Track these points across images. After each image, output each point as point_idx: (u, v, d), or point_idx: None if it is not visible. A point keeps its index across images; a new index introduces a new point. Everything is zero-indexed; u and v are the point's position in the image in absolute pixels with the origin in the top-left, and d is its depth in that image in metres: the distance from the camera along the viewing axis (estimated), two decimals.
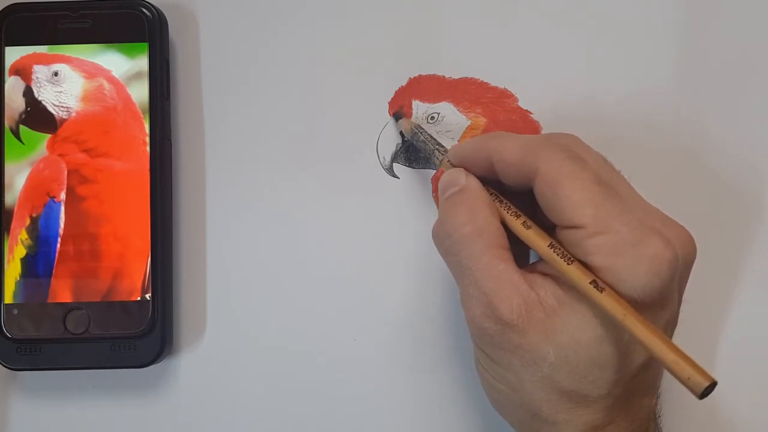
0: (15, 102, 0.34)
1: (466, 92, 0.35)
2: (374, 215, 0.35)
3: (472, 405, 0.34)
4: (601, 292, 0.25)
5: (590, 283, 0.25)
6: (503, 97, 0.35)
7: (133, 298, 0.33)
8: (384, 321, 0.35)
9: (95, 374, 0.35)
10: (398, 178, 0.35)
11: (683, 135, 0.35)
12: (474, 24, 0.36)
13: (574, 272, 0.26)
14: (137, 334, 0.33)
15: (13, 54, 0.34)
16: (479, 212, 0.28)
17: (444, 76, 0.36)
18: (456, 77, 0.36)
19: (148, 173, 0.34)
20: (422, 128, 0.33)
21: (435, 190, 0.35)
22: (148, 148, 0.34)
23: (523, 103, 0.35)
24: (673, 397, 0.32)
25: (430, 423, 0.34)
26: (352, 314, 0.35)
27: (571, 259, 0.26)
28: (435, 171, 0.35)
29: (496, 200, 0.29)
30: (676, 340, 0.26)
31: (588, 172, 0.26)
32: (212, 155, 0.36)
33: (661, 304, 0.26)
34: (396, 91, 0.36)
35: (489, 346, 0.27)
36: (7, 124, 0.34)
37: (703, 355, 0.32)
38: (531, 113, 0.35)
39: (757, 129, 0.35)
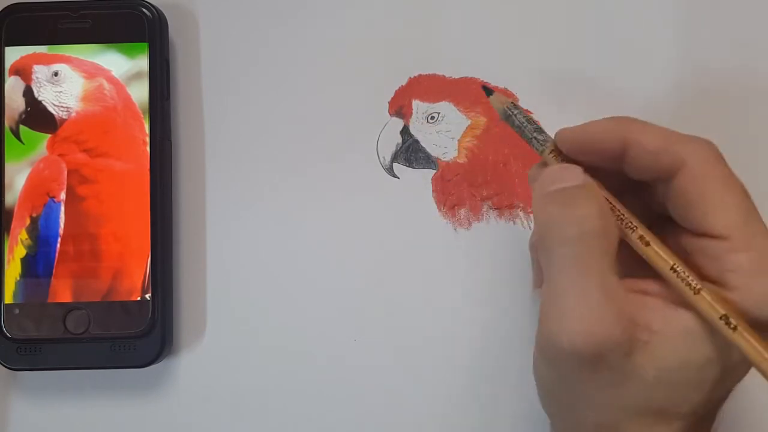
0: (15, 102, 0.34)
1: (466, 92, 0.35)
2: (374, 215, 0.35)
3: (473, 405, 0.34)
4: (734, 330, 0.23)
5: (720, 318, 0.23)
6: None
7: (133, 298, 0.33)
8: (384, 321, 0.35)
9: (95, 374, 0.35)
10: (398, 178, 0.35)
11: (683, 131, 0.35)
12: (474, 24, 0.36)
13: (703, 303, 0.23)
14: (137, 334, 0.33)
15: (13, 54, 0.34)
16: (607, 211, 0.25)
17: (444, 76, 0.36)
18: (456, 77, 0.36)
19: (148, 173, 0.34)
20: (519, 108, 0.28)
21: (435, 190, 0.35)
22: (148, 148, 0.34)
23: (523, 103, 0.35)
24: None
25: (430, 423, 0.34)
26: (352, 314, 0.35)
27: (698, 287, 0.24)
28: (435, 171, 0.35)
29: (611, 205, 0.25)
30: None
31: (738, 180, 0.24)
32: (212, 155, 0.36)
33: None
34: (396, 91, 0.36)
35: (572, 366, 0.24)
36: (7, 124, 0.34)
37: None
38: (531, 113, 0.35)
39: (757, 130, 0.35)
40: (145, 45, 0.34)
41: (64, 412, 0.35)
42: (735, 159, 0.35)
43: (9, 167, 0.34)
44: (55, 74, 0.34)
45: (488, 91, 0.29)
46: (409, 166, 0.35)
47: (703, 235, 0.24)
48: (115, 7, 0.34)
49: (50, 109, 0.34)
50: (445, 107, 0.35)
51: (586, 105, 0.35)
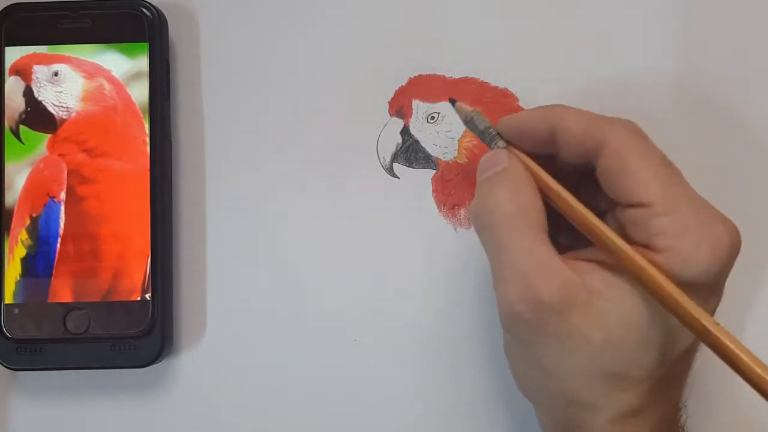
0: (15, 102, 0.34)
1: (466, 92, 0.35)
2: (374, 215, 0.35)
3: (475, 404, 0.34)
4: (660, 291, 0.25)
5: (646, 275, 0.25)
6: (503, 97, 0.35)
7: (133, 298, 0.33)
8: (384, 321, 0.35)
9: (95, 374, 0.35)
10: (398, 178, 0.35)
11: (684, 131, 0.35)
12: (474, 24, 0.36)
13: (629, 263, 0.25)
14: (137, 334, 0.33)
15: (13, 54, 0.34)
16: (523, 191, 0.27)
17: (444, 76, 0.36)
18: (456, 77, 0.36)
19: (148, 173, 0.34)
20: (477, 111, 0.30)
21: (435, 190, 0.35)
22: (148, 148, 0.34)
23: (523, 103, 0.35)
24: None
25: (431, 423, 0.34)
26: (352, 314, 0.35)
27: (626, 248, 0.25)
28: (435, 171, 0.35)
29: (549, 178, 0.28)
30: None
31: (657, 151, 0.26)
32: (212, 155, 0.36)
33: (713, 291, 0.26)
34: (396, 91, 0.36)
35: (523, 332, 0.26)
36: (7, 124, 0.34)
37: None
38: None
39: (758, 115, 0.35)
40: (145, 45, 0.34)
41: (64, 412, 0.35)
42: (735, 159, 0.35)
43: (9, 167, 0.34)
44: (55, 74, 0.34)
45: (452, 101, 0.31)
46: (409, 166, 0.35)
47: (630, 206, 0.26)
48: (115, 7, 0.34)
49: (50, 109, 0.34)
50: (445, 107, 0.35)
51: (585, 105, 0.35)
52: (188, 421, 0.35)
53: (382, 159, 0.35)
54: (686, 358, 0.27)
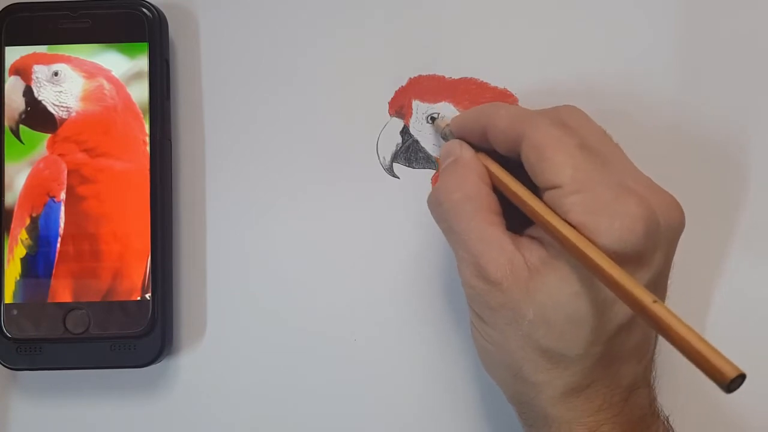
0: (15, 102, 0.34)
1: (466, 92, 0.35)
2: (374, 215, 0.35)
3: (475, 402, 0.34)
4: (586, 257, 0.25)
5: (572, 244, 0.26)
6: (503, 97, 0.35)
7: (133, 298, 0.33)
8: (384, 321, 0.35)
9: (95, 374, 0.35)
10: (398, 178, 0.35)
11: (683, 131, 0.35)
12: (474, 24, 0.36)
13: (559, 234, 0.26)
14: (137, 334, 0.33)
15: (13, 54, 0.34)
16: (468, 179, 0.29)
17: (444, 76, 0.36)
18: (456, 77, 0.36)
19: (148, 173, 0.34)
20: (441, 119, 0.34)
21: None
22: (148, 148, 0.34)
23: (522, 103, 0.35)
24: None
25: (431, 423, 0.34)
26: (352, 314, 0.35)
27: (555, 223, 0.27)
28: (435, 171, 0.35)
29: (497, 167, 0.30)
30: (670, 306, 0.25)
31: (572, 138, 0.27)
32: (212, 155, 0.36)
33: (638, 263, 0.26)
34: (396, 91, 0.36)
35: (479, 306, 0.28)
36: (7, 124, 0.34)
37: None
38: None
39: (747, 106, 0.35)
40: (145, 45, 0.34)
41: (64, 412, 0.35)
42: (736, 158, 0.35)
43: (9, 167, 0.34)
44: (55, 74, 0.34)
45: (432, 119, 0.35)
46: (409, 166, 0.35)
47: (546, 189, 0.27)
48: (115, 7, 0.34)
49: (50, 109, 0.34)
50: (445, 107, 0.35)
51: (585, 105, 0.35)
52: (188, 421, 0.35)
53: (382, 159, 0.35)
54: (628, 334, 0.28)
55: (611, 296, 0.26)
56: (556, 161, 0.27)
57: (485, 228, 0.28)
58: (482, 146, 0.31)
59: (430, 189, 0.35)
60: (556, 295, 0.27)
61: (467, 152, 0.31)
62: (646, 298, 0.23)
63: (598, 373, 0.27)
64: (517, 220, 0.29)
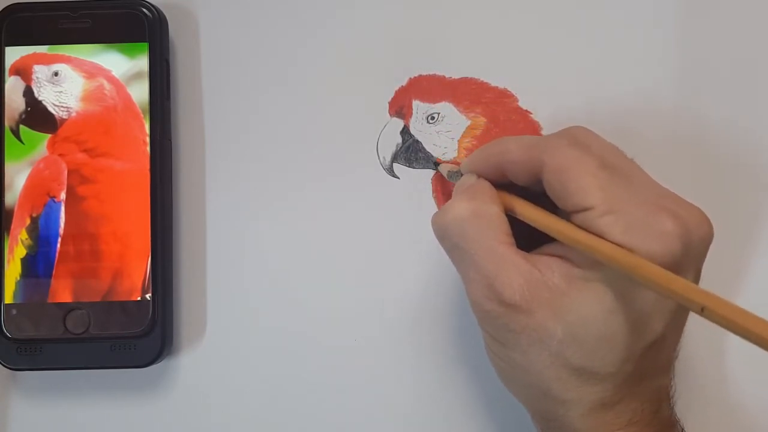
0: (15, 102, 0.34)
1: (466, 92, 0.35)
2: (374, 215, 0.35)
3: (475, 404, 0.34)
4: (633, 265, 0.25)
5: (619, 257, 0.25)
6: (503, 97, 0.35)
7: (133, 298, 0.33)
8: (384, 321, 0.35)
9: (95, 374, 0.35)
10: (398, 178, 0.35)
11: (683, 130, 0.35)
12: (474, 24, 0.36)
13: (594, 242, 0.25)
14: (137, 334, 0.33)
15: (13, 54, 0.34)
16: (478, 198, 0.28)
17: (444, 76, 0.36)
18: (456, 77, 0.36)
19: (148, 173, 0.34)
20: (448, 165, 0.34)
21: (435, 190, 0.35)
22: (148, 148, 0.34)
23: (523, 103, 0.35)
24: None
25: (431, 423, 0.34)
26: (352, 314, 0.35)
27: (587, 236, 0.26)
28: (435, 171, 0.35)
29: (522, 203, 0.29)
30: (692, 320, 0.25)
31: (591, 156, 0.27)
32: (212, 155, 0.36)
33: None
34: (396, 91, 0.36)
35: (494, 329, 0.28)
36: (7, 124, 0.34)
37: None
38: (531, 113, 0.35)
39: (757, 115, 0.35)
40: (145, 45, 0.34)
41: (64, 412, 0.35)
42: (735, 158, 0.35)
43: (9, 167, 0.34)
44: (55, 74, 0.34)
45: (436, 164, 0.35)
46: (409, 166, 0.35)
47: (575, 212, 0.26)
48: (115, 7, 0.34)
49: (50, 109, 0.34)
50: (444, 107, 0.35)
51: (585, 105, 0.35)
52: (188, 421, 0.35)
53: (382, 159, 0.35)
54: (659, 351, 0.27)
55: (646, 313, 0.26)
56: (583, 184, 0.26)
57: (496, 247, 0.27)
58: (501, 184, 0.30)
59: (431, 189, 0.35)
60: (588, 313, 0.26)
61: (484, 180, 0.29)
62: (719, 301, 0.23)
63: (629, 389, 0.27)
64: (524, 240, 0.28)
